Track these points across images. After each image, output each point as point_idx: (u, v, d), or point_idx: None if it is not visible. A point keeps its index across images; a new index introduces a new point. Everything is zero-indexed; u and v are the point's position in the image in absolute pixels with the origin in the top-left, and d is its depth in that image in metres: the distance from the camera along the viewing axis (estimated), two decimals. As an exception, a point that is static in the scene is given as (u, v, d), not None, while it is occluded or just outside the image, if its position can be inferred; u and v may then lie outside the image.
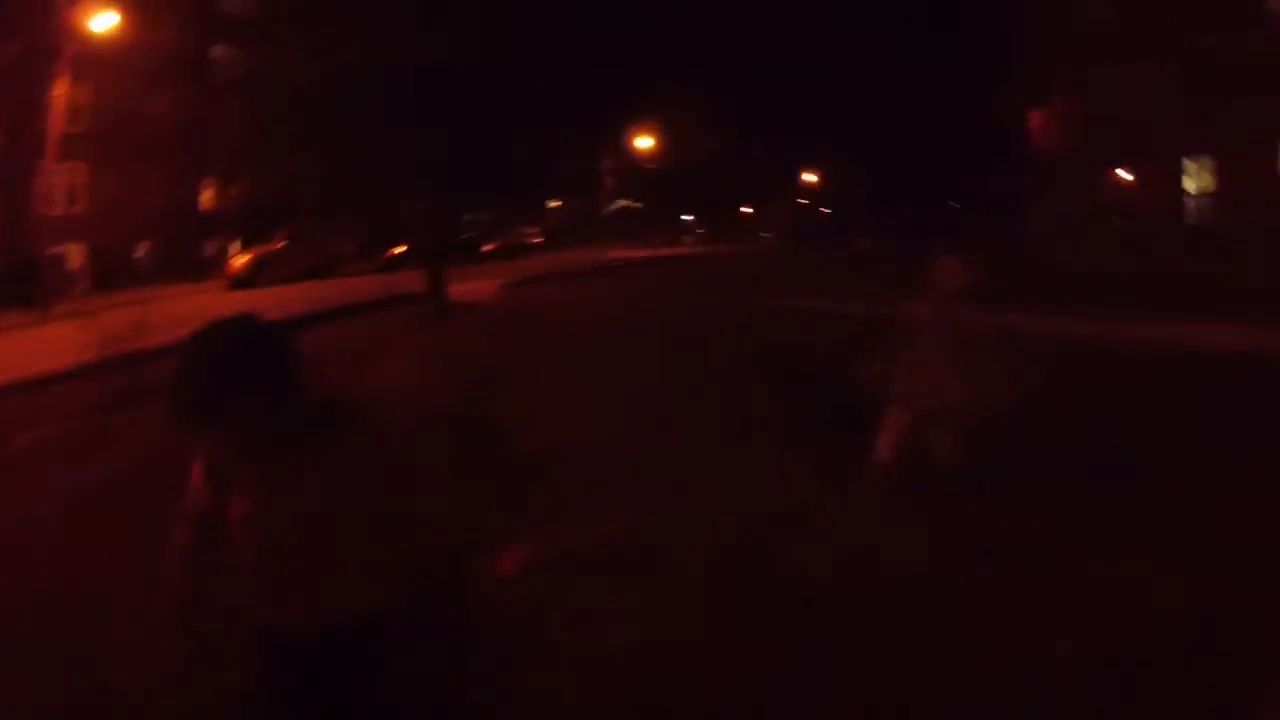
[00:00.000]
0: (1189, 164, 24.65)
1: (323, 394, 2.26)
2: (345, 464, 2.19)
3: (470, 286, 21.23)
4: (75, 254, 36.67)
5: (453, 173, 21.96)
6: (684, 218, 60.03)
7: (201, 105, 38.87)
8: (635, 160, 48.37)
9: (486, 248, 40.94)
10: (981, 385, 5.17)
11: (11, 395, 11.08)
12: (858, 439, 5.78)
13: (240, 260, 30.23)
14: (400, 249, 32.00)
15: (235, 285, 28.78)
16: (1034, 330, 11.36)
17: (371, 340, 13.30)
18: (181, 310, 20.20)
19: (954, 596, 4.25)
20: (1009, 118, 38.90)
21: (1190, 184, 24.67)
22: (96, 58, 31.97)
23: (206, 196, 43.92)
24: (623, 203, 55.36)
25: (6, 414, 9.90)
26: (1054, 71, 33.35)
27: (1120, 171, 29.51)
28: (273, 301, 19.87)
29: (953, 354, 5.22)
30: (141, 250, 40.76)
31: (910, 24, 50.85)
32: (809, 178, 63.56)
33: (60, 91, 29.07)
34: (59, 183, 35.22)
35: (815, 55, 51.19)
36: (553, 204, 55.04)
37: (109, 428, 8.80)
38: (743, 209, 61.62)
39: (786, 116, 52.18)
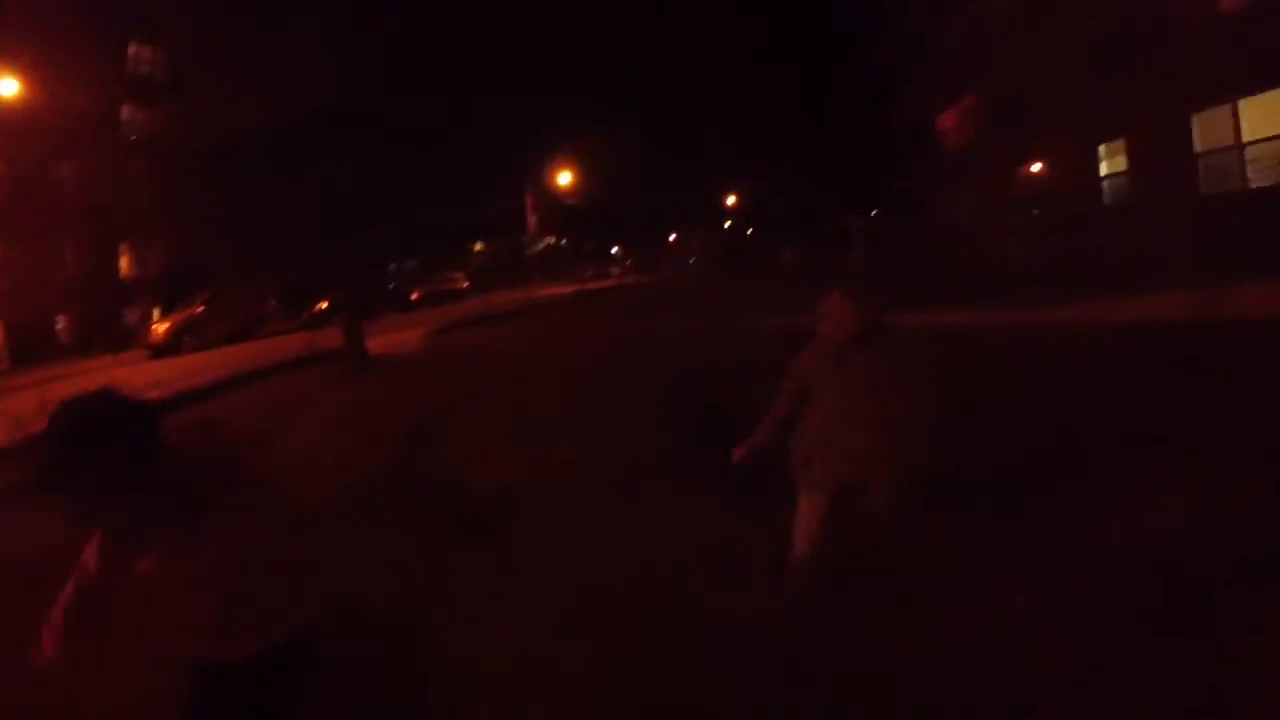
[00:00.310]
0: (1103, 149, 25.06)
1: (194, 462, 2.38)
2: (214, 528, 2.31)
3: (394, 337, 21.08)
4: None
5: (365, 222, 21.84)
6: (611, 250, 60.35)
7: (111, 169, 38.19)
8: (557, 197, 48.38)
9: (414, 296, 40.67)
10: (905, 445, 4.25)
11: None
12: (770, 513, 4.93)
13: (161, 328, 29.61)
14: (323, 304, 31.63)
15: (156, 354, 28.20)
16: (961, 325, 11.48)
17: (288, 401, 13.09)
18: (87, 388, 19.74)
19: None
20: (921, 119, 39.74)
21: (1105, 167, 25.12)
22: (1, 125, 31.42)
23: (124, 263, 43.18)
24: (548, 240, 55.41)
25: None
26: (962, 69, 34.01)
27: (1035, 163, 30.02)
28: (193, 368, 19.65)
29: (861, 412, 4.22)
30: (61, 323, 39.92)
31: (816, 37, 51.92)
32: (731, 200, 64.23)
33: None
34: None
35: (726, 79, 52.10)
36: (477, 246, 54.98)
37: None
38: (669, 237, 62.09)
39: (702, 141, 52.99)
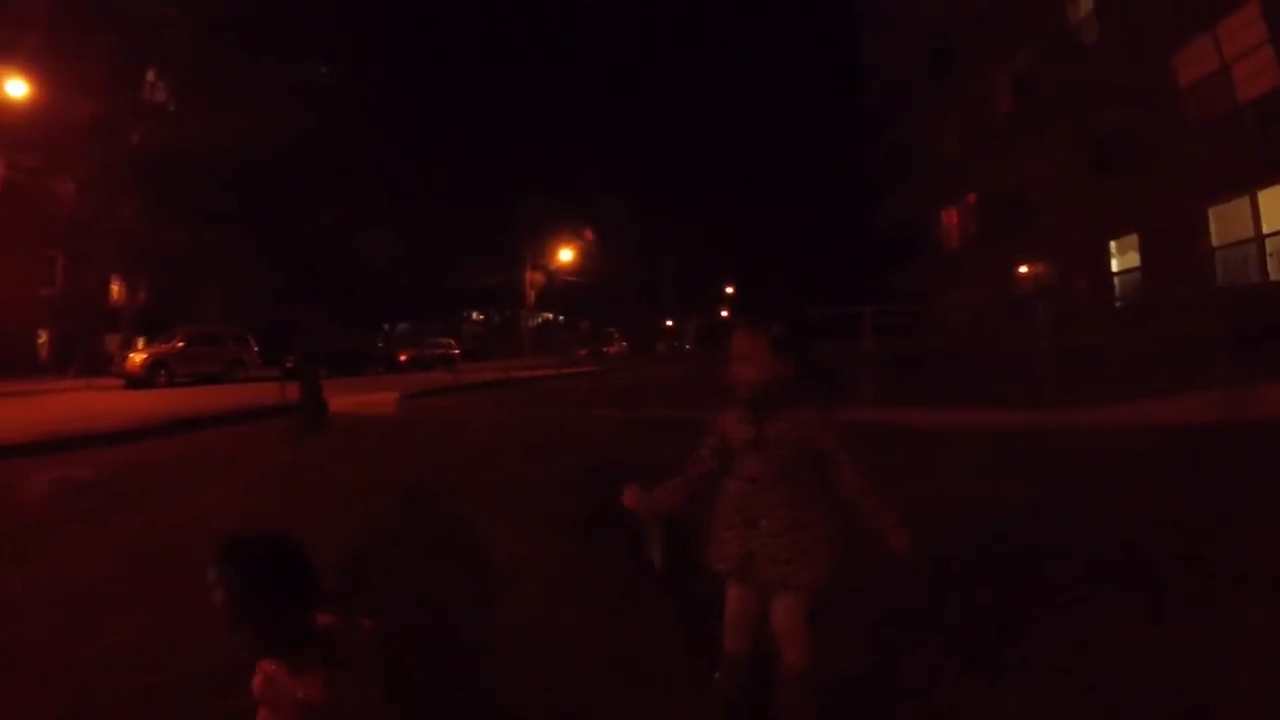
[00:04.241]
0: (1114, 244, 24.78)
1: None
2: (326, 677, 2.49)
3: (367, 397, 20.65)
4: None
5: (354, 278, 21.51)
6: (606, 330, 60.23)
7: (110, 191, 38.30)
8: (557, 273, 48.42)
9: (402, 358, 40.32)
10: (833, 532, 3.48)
11: None
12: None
13: (138, 358, 29.39)
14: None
15: (130, 384, 28.05)
16: (965, 424, 11.02)
17: (229, 453, 12.68)
18: (56, 408, 19.42)
19: None
20: (920, 214, 39.88)
21: (1116, 263, 24.78)
22: (6, 129, 31.50)
23: (115, 289, 43.21)
24: (545, 315, 55.30)
25: None
26: (964, 165, 34.12)
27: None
28: (160, 403, 19.24)
29: (772, 494, 3.45)
30: (41, 338, 39.79)
31: (817, 135, 52.80)
32: (729, 289, 64.58)
33: None
34: None
35: (730, 172, 53.03)
36: (475, 315, 54.85)
37: None
38: (665, 321, 62.14)
39: (705, 230, 53.47)
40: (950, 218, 38.83)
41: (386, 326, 44.57)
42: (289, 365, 29.02)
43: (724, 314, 62.52)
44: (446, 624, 5.52)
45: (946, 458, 9.14)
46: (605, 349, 54.63)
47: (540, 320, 54.19)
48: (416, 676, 4.45)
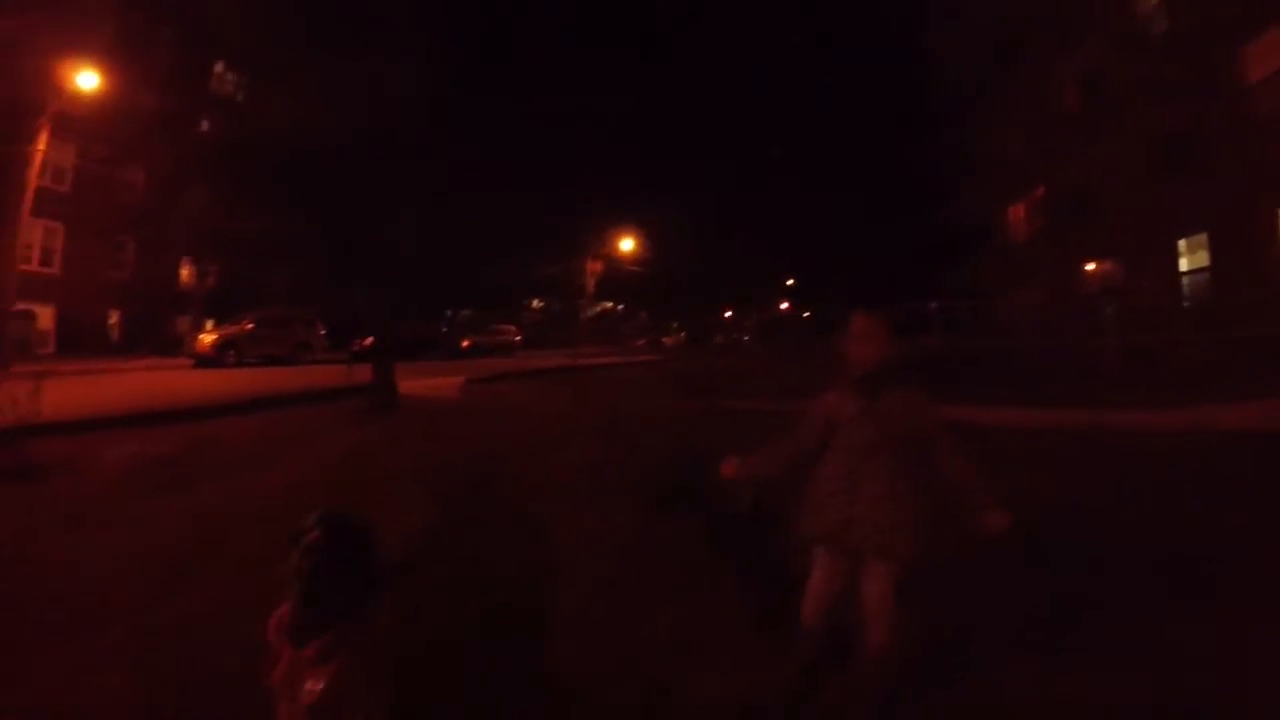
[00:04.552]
0: (1183, 243, 24.17)
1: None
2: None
3: (432, 381, 20.75)
4: (45, 315, 36.47)
5: (419, 266, 21.71)
6: (666, 321, 59.94)
7: (180, 179, 39.18)
8: (618, 262, 48.24)
9: (464, 344, 40.50)
10: (930, 510, 3.59)
11: None
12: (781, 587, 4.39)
13: (207, 339, 29.92)
14: (368, 340, 31.65)
15: (200, 364, 28.50)
16: (1026, 424, 10.82)
17: (301, 431, 12.79)
18: (129, 385, 19.79)
19: None
20: (986, 209, 39.19)
21: (1185, 263, 24.17)
22: (80, 120, 32.20)
23: (185, 273, 44.03)
24: (605, 305, 55.19)
25: None
26: (1032, 161, 33.53)
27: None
28: (230, 383, 19.50)
29: (877, 467, 3.57)
30: (112, 319, 40.65)
31: (881, 130, 51.70)
32: (790, 281, 63.77)
33: (40, 146, 28.97)
34: (34, 240, 35.32)
35: (792, 165, 52.14)
36: (535, 303, 54.88)
37: None
38: (724, 312, 61.53)
39: (766, 222, 52.91)
40: (1015, 214, 38.21)
41: (449, 313, 44.65)
42: (355, 349, 29.41)
43: (783, 307, 62.02)
44: (515, 598, 5.53)
45: (1008, 453, 8.95)
46: (664, 339, 54.54)
47: (599, 309, 54.06)
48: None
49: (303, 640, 2.58)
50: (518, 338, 43.70)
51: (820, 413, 3.79)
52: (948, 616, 4.63)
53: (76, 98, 29.73)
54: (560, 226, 44.41)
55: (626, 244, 46.77)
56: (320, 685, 2.54)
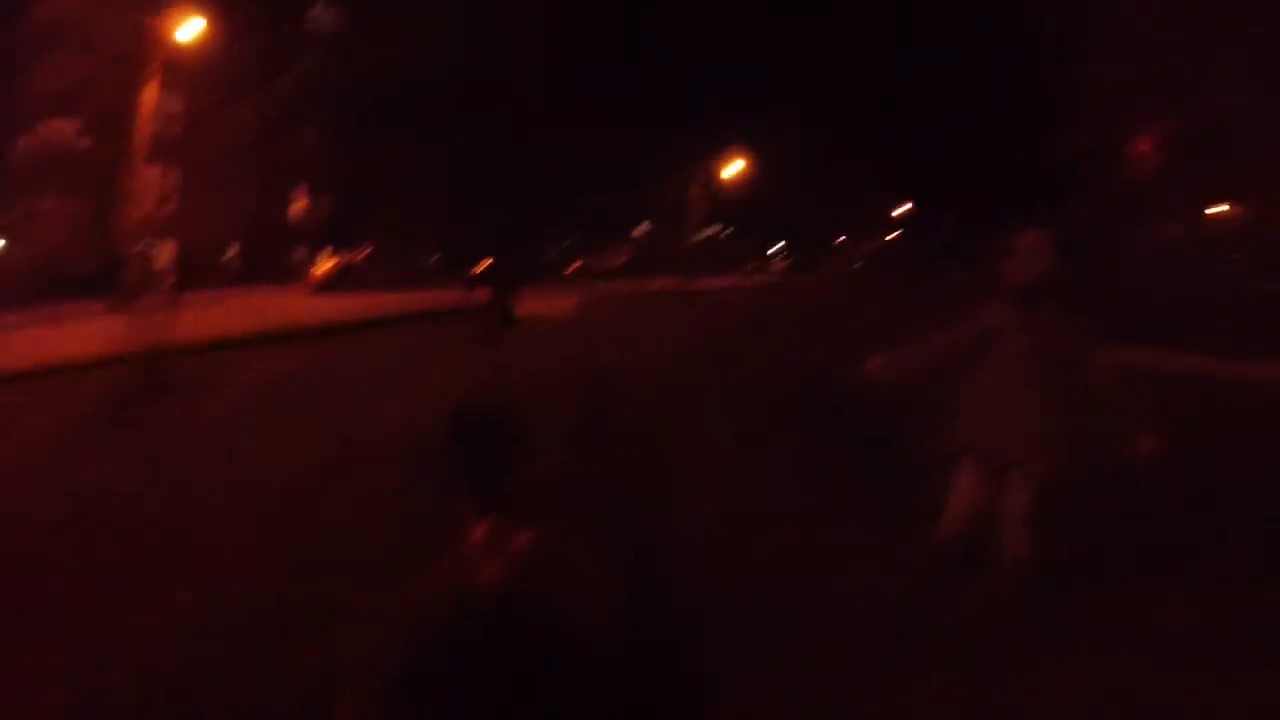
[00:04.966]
0: None
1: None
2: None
3: (545, 304, 20.72)
4: (164, 252, 37.61)
5: (531, 191, 21.64)
6: (774, 247, 59.01)
7: (288, 115, 39.87)
8: (725, 187, 47.42)
9: (570, 269, 40.53)
10: (1080, 428, 3.55)
11: (38, 380, 11.22)
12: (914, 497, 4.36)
13: (325, 266, 30.43)
14: (484, 264, 31.86)
15: (319, 290, 28.98)
16: (1152, 367, 10.26)
17: (426, 349, 12.94)
18: (251, 311, 20.30)
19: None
20: (1105, 142, 37.20)
21: None
22: (186, 66, 32.85)
23: (298, 205, 44.91)
24: (711, 230, 54.45)
25: (17, 400, 9.85)
26: (1161, 91, 31.70)
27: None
28: (349, 307, 19.79)
29: (1033, 379, 3.53)
30: (231, 252, 41.81)
31: (998, 48, 49.04)
32: (901, 209, 61.88)
33: (149, 96, 29.58)
34: (152, 183, 36.28)
35: (906, 90, 49.69)
36: (640, 229, 54.44)
37: (106, 423, 8.55)
38: (834, 239, 60.16)
39: (877, 145, 50.89)
40: (1140, 148, 36.22)
41: (557, 238, 44.62)
42: (470, 274, 29.66)
43: (891, 238, 60.50)
44: (644, 505, 5.40)
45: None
46: (772, 265, 53.72)
47: (706, 234, 53.34)
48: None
49: (483, 523, 2.46)
50: (623, 262, 43.57)
51: (977, 323, 3.74)
52: (1079, 536, 4.49)
53: (182, 46, 30.30)
54: (669, 149, 43.47)
55: (735, 167, 45.92)
56: (507, 569, 2.38)
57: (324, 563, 4.68)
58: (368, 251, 30.69)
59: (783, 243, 59.46)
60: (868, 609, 3.93)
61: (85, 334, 12.42)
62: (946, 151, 51.49)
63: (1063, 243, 3.86)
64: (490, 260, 26.87)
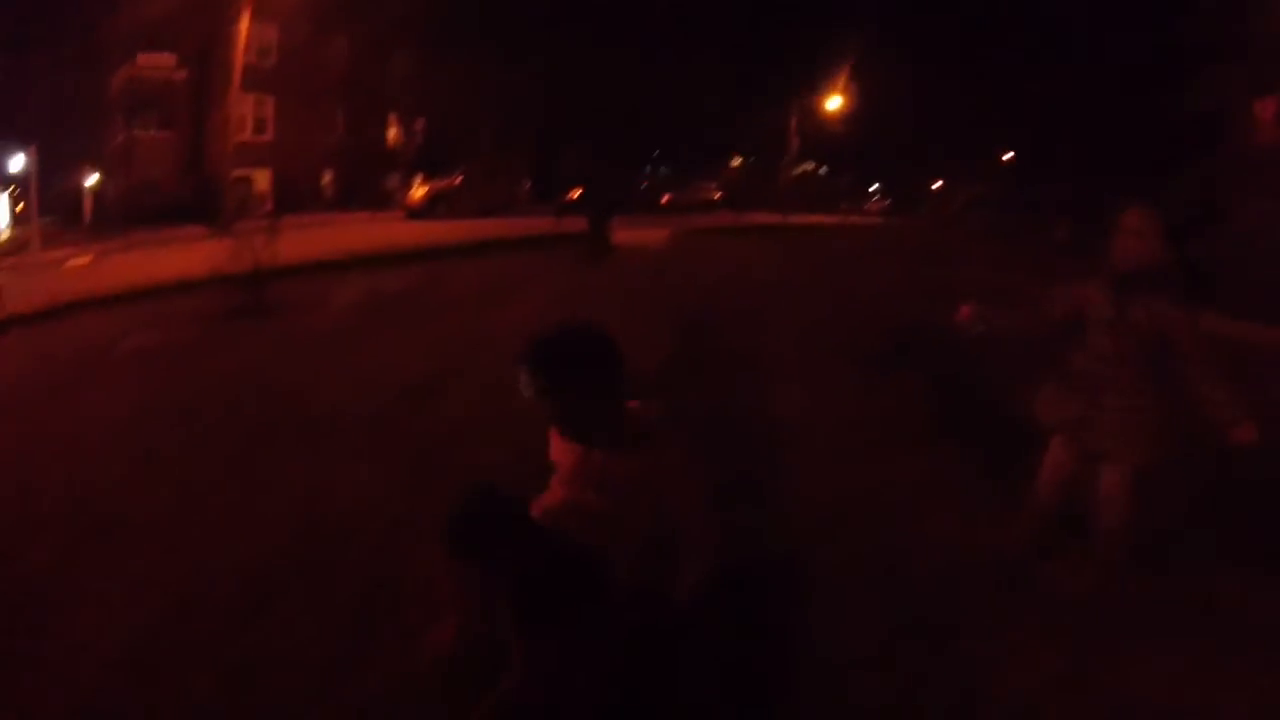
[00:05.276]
0: None
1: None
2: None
3: (639, 234, 20.45)
4: (261, 179, 38.72)
5: (625, 119, 21.35)
6: (870, 188, 57.68)
7: (381, 43, 40.52)
8: (824, 122, 46.24)
9: (663, 200, 40.05)
10: (1174, 421, 3.44)
11: (146, 300, 12.21)
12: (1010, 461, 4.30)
13: (418, 193, 30.57)
14: (575, 193, 31.73)
15: (411, 216, 29.20)
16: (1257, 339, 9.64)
17: (523, 274, 12.98)
18: (347, 235, 20.51)
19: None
20: (1223, 107, 35.09)
21: None
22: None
23: (392, 133, 45.41)
24: (807, 166, 53.35)
25: (131, 316, 10.85)
26: None
27: None
28: (444, 232, 19.88)
29: (1125, 372, 3.43)
30: (326, 179, 42.56)
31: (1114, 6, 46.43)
32: (1005, 157, 59.69)
33: (244, 27, 30.76)
34: (247, 112, 38.55)
35: (1016, 33, 47.32)
36: (734, 162, 53.61)
37: (210, 338, 9.25)
38: (932, 184, 58.37)
39: (983, 91, 48.86)
40: (1263, 111, 34.03)
41: (647, 168, 44.15)
42: (562, 201, 29.56)
43: (991, 187, 58.20)
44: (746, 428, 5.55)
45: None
46: (867, 206, 52.51)
47: (801, 170, 52.27)
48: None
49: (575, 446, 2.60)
50: (718, 195, 42.89)
51: (1071, 297, 3.67)
52: (1168, 516, 4.34)
53: None
54: (765, 81, 42.54)
55: (834, 102, 44.71)
56: (605, 494, 2.54)
57: (440, 466, 4.85)
58: (460, 179, 30.64)
59: (878, 185, 58.04)
60: (973, 558, 3.95)
61: (188, 257, 12.67)
62: (1058, 99, 49.16)
63: (1174, 222, 3.60)
64: (582, 189, 26.70)
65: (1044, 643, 3.31)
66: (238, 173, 33.35)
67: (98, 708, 2.95)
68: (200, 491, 4.80)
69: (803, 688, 3.06)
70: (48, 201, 43.09)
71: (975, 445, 5.26)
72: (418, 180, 35.73)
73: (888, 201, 55.37)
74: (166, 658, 3.22)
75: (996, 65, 47.30)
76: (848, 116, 46.56)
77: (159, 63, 39.68)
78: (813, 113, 45.16)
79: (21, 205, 40.24)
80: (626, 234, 18.47)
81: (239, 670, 3.10)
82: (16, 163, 38.63)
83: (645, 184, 40.97)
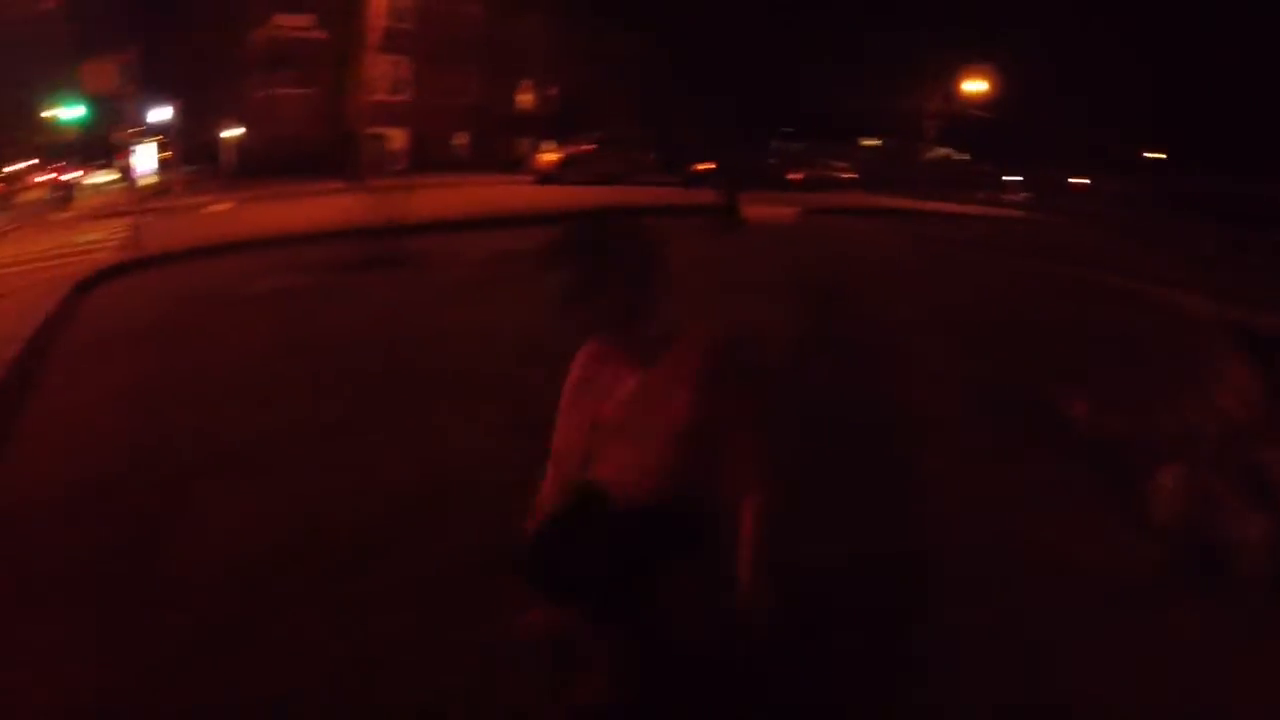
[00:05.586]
0: None
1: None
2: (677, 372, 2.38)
3: (768, 209, 20.18)
4: (397, 138, 40.01)
5: (758, 92, 20.96)
6: (1009, 178, 55.50)
7: (515, 7, 41.30)
8: (964, 106, 44.79)
9: (793, 177, 39.41)
10: None
11: (281, 247, 13.00)
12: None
13: (549, 157, 30.82)
14: (705, 165, 31.48)
15: (541, 180, 29.43)
16: None
17: (656, 239, 12.58)
18: (478, 195, 20.82)
19: None
20: None
21: None
22: None
23: (525, 98, 46.10)
24: (943, 151, 51.77)
25: (266, 261, 11.47)
26: None
27: None
28: (572, 197, 19.95)
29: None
30: (459, 140, 43.56)
31: None
32: (1154, 155, 56.87)
33: None
34: (383, 73, 39.70)
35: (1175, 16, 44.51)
36: (868, 142, 52.35)
37: (343, 285, 9.74)
38: (1070, 177, 55.85)
39: (1136, 83, 46.36)
40: None
41: (775, 144, 43.44)
42: (691, 172, 29.28)
43: (1137, 184, 55.48)
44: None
45: None
46: (1005, 195, 50.69)
47: (937, 155, 50.77)
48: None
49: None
50: (849, 175, 41.98)
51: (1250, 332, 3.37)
52: None
53: None
54: (903, 60, 41.24)
55: (974, 86, 43.28)
56: (684, 412, 2.35)
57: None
58: (590, 145, 30.74)
59: (1019, 176, 55.74)
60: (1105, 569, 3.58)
61: (325, 208, 13.04)
62: (1211, 92, 46.38)
63: None
64: (711, 161, 26.45)
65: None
66: (374, 130, 34.33)
67: (206, 641, 2.96)
68: (319, 434, 4.88)
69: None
70: (191, 151, 45.38)
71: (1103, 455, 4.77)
72: (549, 145, 36.00)
73: (1028, 194, 53.21)
74: (277, 593, 3.26)
75: (1149, 51, 44.89)
76: (990, 102, 45.12)
77: (298, 23, 41.27)
78: (955, 95, 43.88)
79: (168, 154, 42.09)
80: (753, 210, 18.25)
81: (348, 610, 3.13)
82: (163, 114, 40.72)
83: (773, 160, 40.36)
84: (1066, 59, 43.02)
